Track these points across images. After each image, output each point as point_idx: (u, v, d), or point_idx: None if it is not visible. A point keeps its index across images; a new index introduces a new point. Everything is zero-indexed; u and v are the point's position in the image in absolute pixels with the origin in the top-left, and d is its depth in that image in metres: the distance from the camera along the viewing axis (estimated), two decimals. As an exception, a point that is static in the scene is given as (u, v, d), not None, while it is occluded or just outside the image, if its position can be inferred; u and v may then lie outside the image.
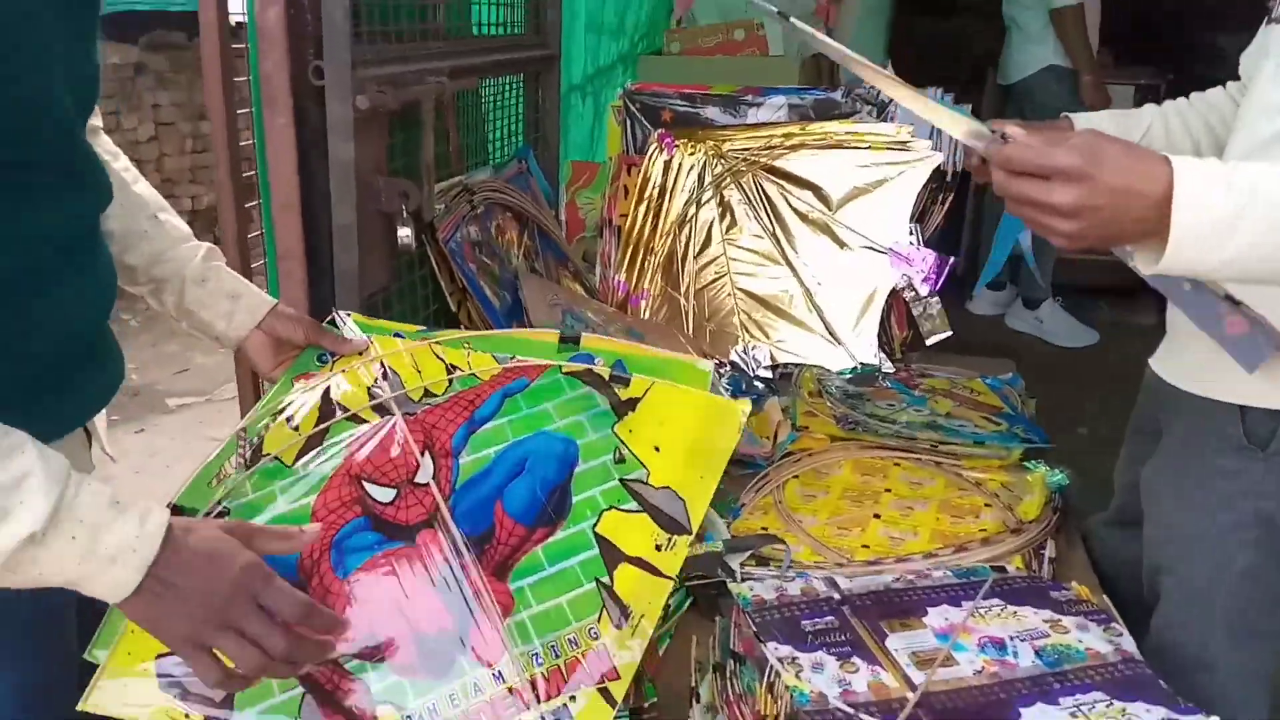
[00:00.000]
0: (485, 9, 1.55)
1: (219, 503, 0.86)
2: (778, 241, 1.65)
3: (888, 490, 1.13)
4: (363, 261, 1.15)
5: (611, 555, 0.85)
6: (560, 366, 0.99)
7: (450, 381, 0.98)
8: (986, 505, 1.11)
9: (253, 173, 1.20)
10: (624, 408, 0.96)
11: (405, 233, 1.18)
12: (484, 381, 0.98)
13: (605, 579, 0.83)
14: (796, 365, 1.50)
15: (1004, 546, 1.01)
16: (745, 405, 0.95)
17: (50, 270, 0.71)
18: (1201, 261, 0.74)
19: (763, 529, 1.05)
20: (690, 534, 0.86)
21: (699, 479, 0.90)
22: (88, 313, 0.78)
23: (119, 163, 0.91)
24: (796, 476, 1.17)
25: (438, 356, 1.00)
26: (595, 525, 0.87)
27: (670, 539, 0.86)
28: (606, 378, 0.98)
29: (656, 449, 0.92)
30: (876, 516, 1.08)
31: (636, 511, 0.88)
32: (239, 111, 1.19)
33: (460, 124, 1.37)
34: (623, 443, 0.93)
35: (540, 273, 1.58)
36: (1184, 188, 0.72)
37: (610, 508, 0.88)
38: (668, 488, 0.90)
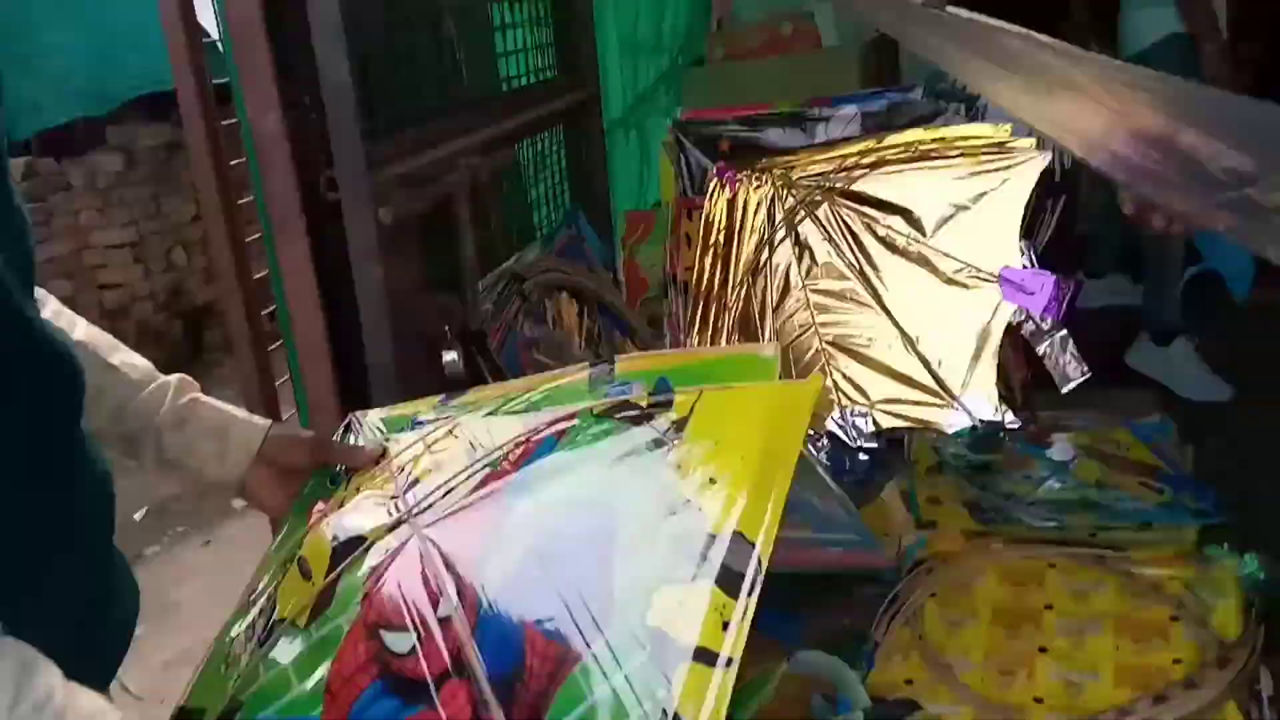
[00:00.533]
0: (512, 60, 1.38)
1: (232, 698, 0.71)
2: (866, 280, 1.45)
3: (1048, 607, 0.94)
4: (405, 399, 1.00)
5: (668, 655, 0.61)
6: (591, 409, 0.79)
7: (471, 469, 0.80)
8: (1173, 619, 0.90)
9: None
10: (670, 436, 0.73)
11: (451, 357, 1.02)
12: (506, 457, 0.79)
13: (664, 696, 0.60)
14: (906, 429, 1.31)
15: (1211, 688, 0.81)
16: (816, 383, 0.74)
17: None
18: None
19: (907, 682, 0.87)
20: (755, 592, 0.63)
21: (768, 503, 0.66)
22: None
23: (49, 307, 0.75)
24: (934, 595, 0.98)
25: (456, 435, 0.82)
26: (646, 615, 0.64)
27: (741, 606, 0.62)
28: (645, 405, 0.77)
29: (712, 480, 0.69)
30: (1043, 650, 0.88)
31: (696, 580, 0.64)
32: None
33: (501, 202, 1.20)
34: (672, 484, 0.70)
35: (607, 360, 1.42)
36: None
37: (664, 583, 0.64)
38: (736, 532, 0.65)
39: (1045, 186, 1.41)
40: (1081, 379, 1.30)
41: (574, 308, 1.38)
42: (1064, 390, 1.31)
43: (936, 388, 1.37)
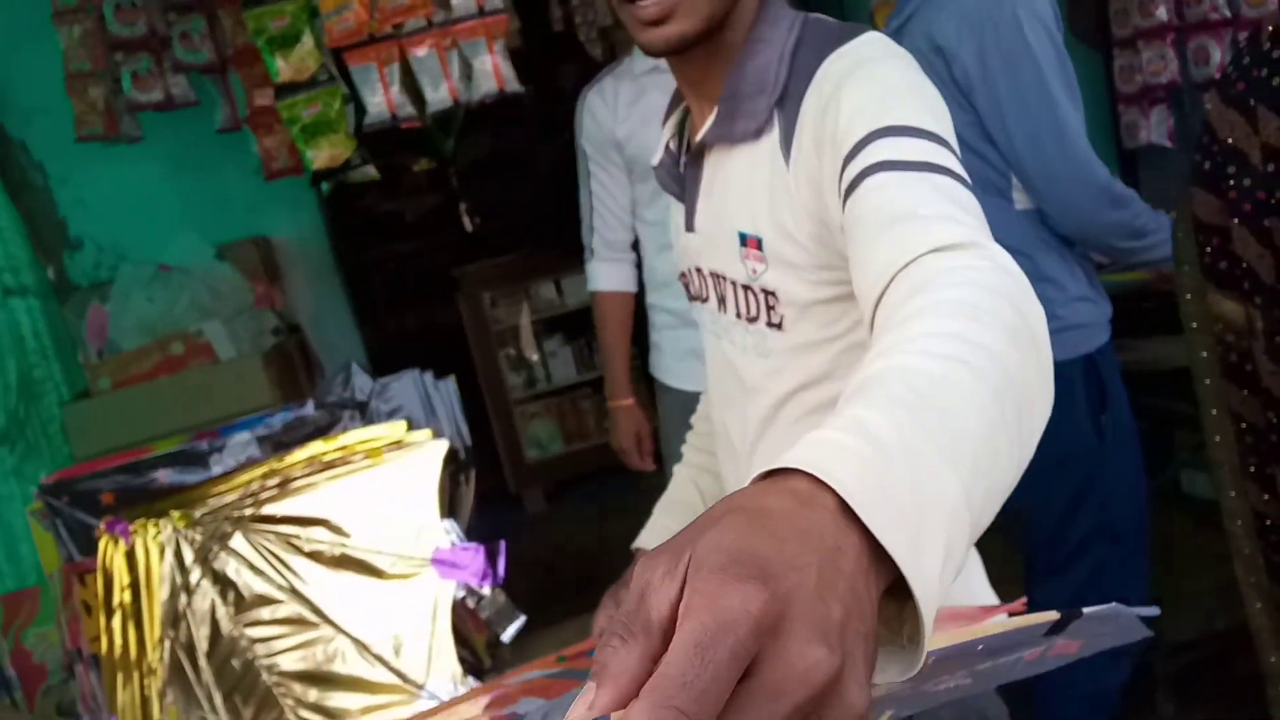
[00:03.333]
0: None
1: None
2: (302, 598, 1.37)
3: None
4: None
5: None
6: None
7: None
8: None
9: None
10: None
11: None
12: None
13: None
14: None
15: None
16: None
17: None
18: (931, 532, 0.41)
19: None
20: None
21: None
22: None
23: None
24: None
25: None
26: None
27: None
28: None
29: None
30: None
31: None
32: None
33: None
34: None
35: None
36: (833, 461, 0.41)
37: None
38: None
39: (456, 463, 1.50)
40: (519, 623, 1.36)
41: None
42: (506, 637, 1.36)
43: (403, 682, 1.32)
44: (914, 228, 0.64)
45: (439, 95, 2.27)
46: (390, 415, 1.54)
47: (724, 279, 0.93)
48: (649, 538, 1.22)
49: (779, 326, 0.89)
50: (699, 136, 0.91)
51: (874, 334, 0.60)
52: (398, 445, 1.43)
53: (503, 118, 6.78)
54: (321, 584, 1.37)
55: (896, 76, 0.79)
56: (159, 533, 1.36)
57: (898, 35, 1.91)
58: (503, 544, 1.45)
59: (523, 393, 4.23)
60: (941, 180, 0.69)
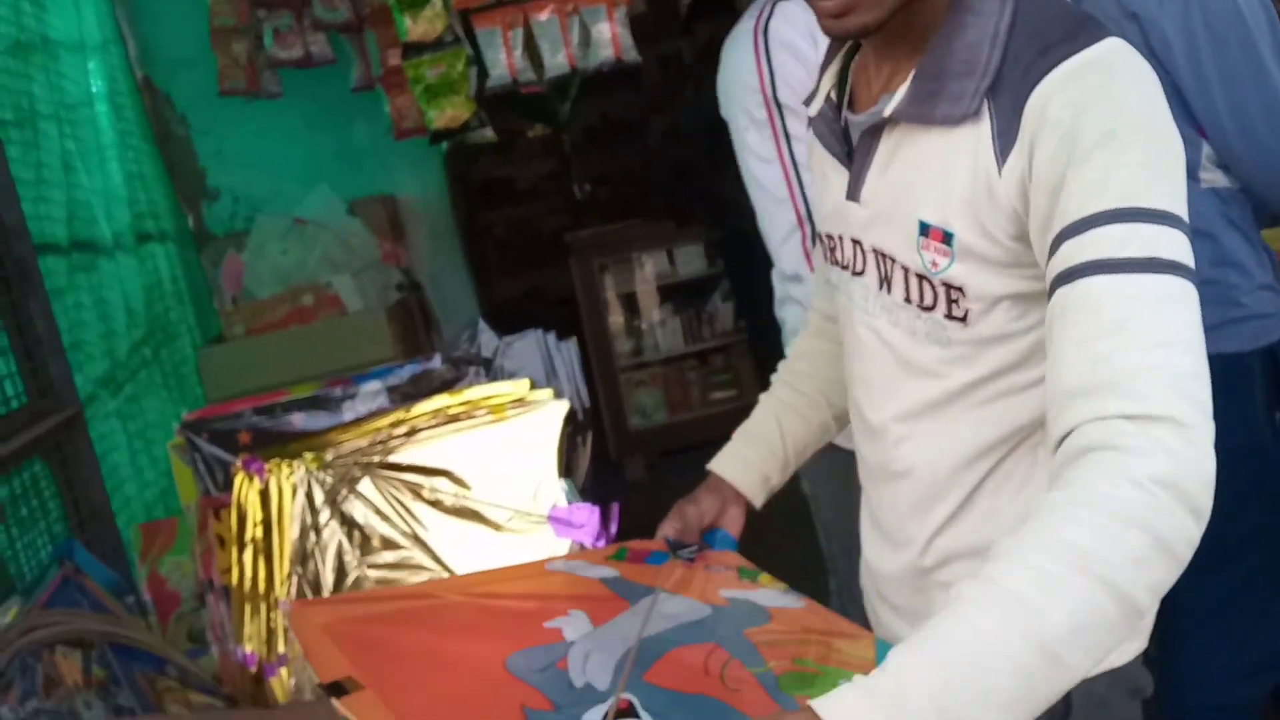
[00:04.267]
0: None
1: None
2: (423, 544, 1.40)
3: None
4: None
5: None
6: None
7: None
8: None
9: None
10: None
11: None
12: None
13: None
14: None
15: None
16: None
17: None
18: None
19: None
20: None
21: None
22: None
23: None
24: None
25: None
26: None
27: None
28: None
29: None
30: None
31: None
32: None
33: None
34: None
35: (129, 708, 1.18)
36: None
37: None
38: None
39: (574, 424, 1.51)
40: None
41: (76, 662, 1.15)
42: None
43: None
44: (1115, 376, 0.68)
45: (557, 61, 2.27)
46: (513, 373, 1.56)
47: (892, 261, 0.87)
48: (724, 463, 1.19)
49: (962, 320, 0.84)
50: (888, 110, 0.84)
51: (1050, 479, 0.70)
52: (520, 403, 1.45)
53: (617, 86, 6.80)
54: (441, 532, 1.40)
55: (1140, 130, 0.73)
56: (292, 473, 1.41)
57: None
58: (616, 506, 1.45)
59: (629, 360, 4.24)
60: (1162, 288, 0.69)
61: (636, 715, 0.74)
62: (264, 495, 1.40)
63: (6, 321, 1.33)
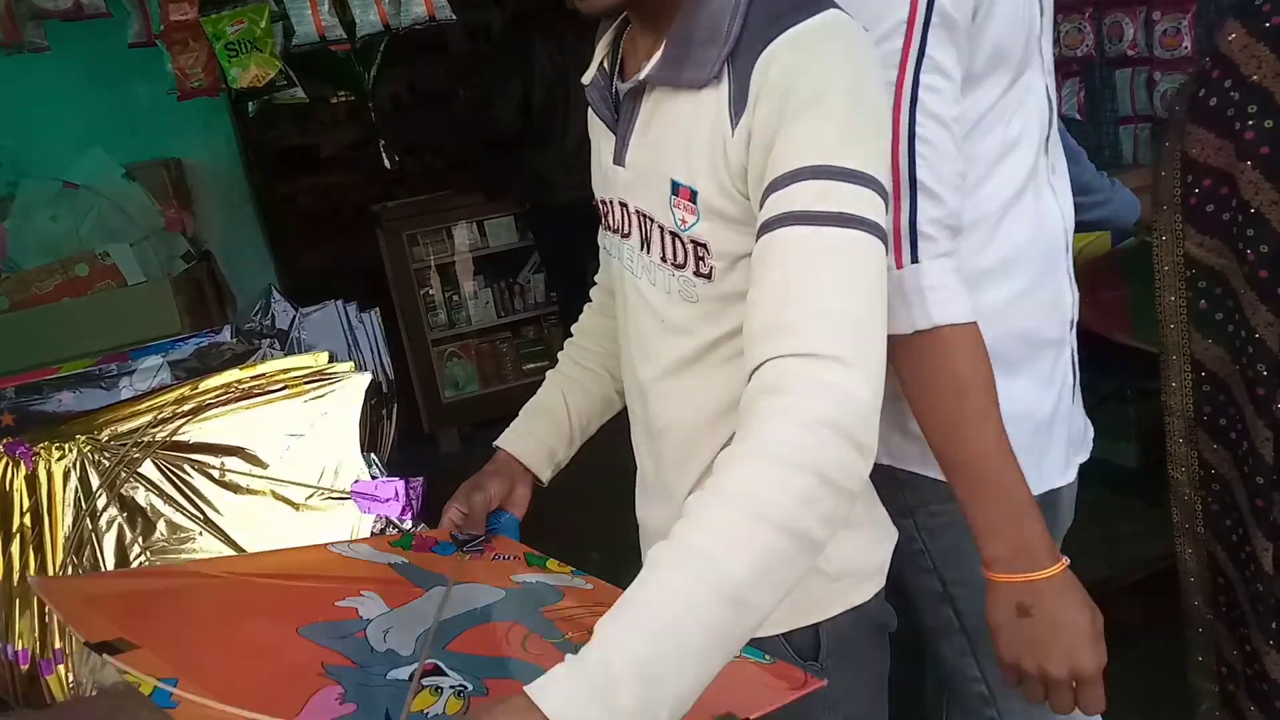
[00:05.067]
0: None
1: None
2: (216, 527, 1.35)
3: None
4: None
5: None
6: None
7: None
8: None
9: None
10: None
11: None
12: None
13: None
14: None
15: None
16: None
17: None
18: None
19: None
20: None
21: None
22: None
23: None
24: None
25: None
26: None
27: None
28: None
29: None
30: None
31: None
32: None
33: None
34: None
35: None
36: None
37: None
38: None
39: (378, 396, 1.48)
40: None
41: None
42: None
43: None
44: (793, 319, 0.75)
45: (369, 19, 2.20)
46: (311, 346, 1.51)
47: (651, 220, 0.93)
48: (511, 439, 1.22)
49: (708, 277, 0.89)
50: (643, 74, 0.90)
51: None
52: (319, 376, 1.41)
53: (424, 55, 6.61)
54: (237, 514, 1.35)
55: (845, 95, 0.79)
56: (63, 456, 1.32)
57: None
58: (421, 481, 1.45)
59: (441, 333, 4.18)
60: (848, 241, 0.76)
61: (445, 674, 0.76)
62: (30, 481, 1.31)
63: None
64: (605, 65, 0.99)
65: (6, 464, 1.32)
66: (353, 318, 1.60)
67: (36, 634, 1.31)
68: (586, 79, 1.00)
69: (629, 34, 0.97)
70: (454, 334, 4.21)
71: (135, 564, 1.32)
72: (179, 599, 0.86)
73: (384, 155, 6.82)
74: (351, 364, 1.42)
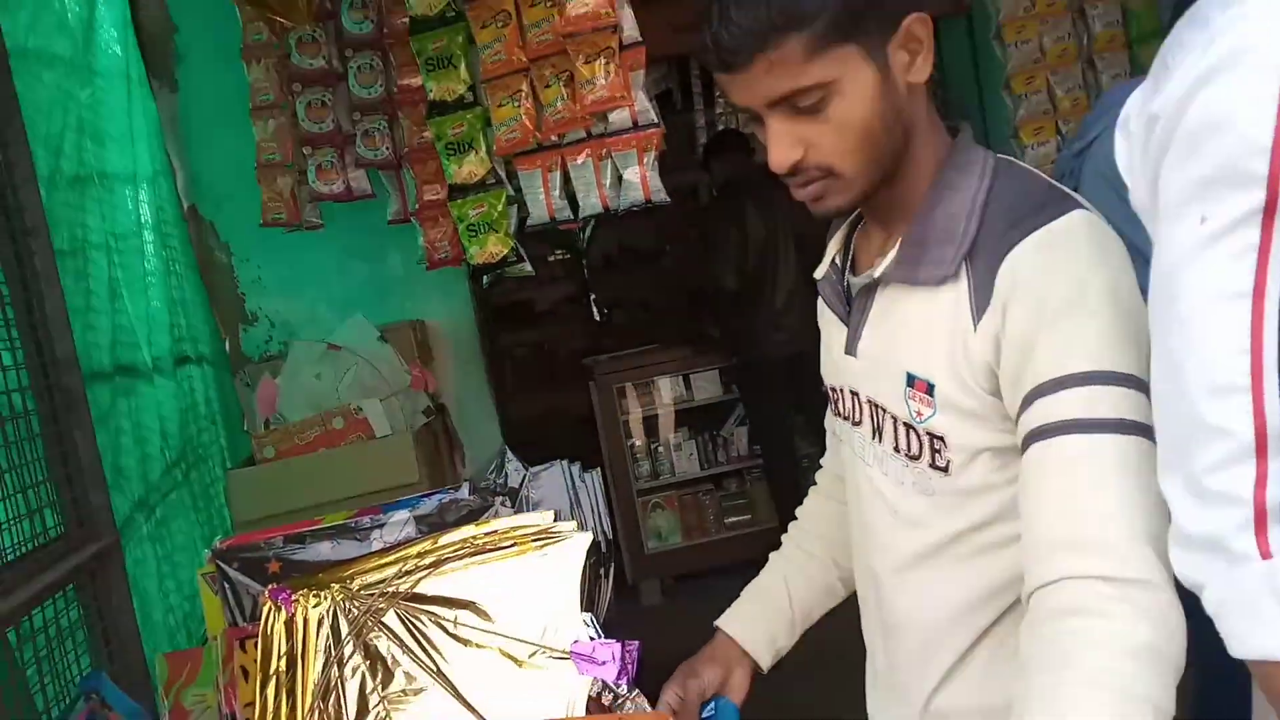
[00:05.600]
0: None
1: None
2: (446, 680, 1.40)
3: None
4: None
5: None
6: None
7: None
8: None
9: None
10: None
11: None
12: None
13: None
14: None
15: None
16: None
17: None
18: None
19: None
20: None
21: None
22: None
23: None
24: None
25: None
26: None
27: None
28: None
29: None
30: None
31: None
32: None
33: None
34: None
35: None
36: None
37: None
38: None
39: (596, 556, 1.52)
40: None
41: (100, 800, 1.14)
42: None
43: (534, 781, 1.32)
44: (1091, 536, 0.74)
45: (591, 201, 2.39)
46: (538, 503, 1.59)
47: (884, 411, 0.93)
48: (731, 621, 1.21)
49: (944, 470, 0.89)
50: (879, 271, 0.93)
51: (1026, 640, 0.76)
52: (545, 535, 1.47)
53: (633, 215, 7.03)
54: (465, 668, 1.40)
55: (1105, 296, 0.80)
56: (319, 604, 1.42)
57: (1080, 157, 1.89)
58: (636, 646, 1.45)
59: (646, 483, 4.26)
60: (1128, 450, 0.75)
61: None
62: (289, 625, 1.42)
63: (50, 452, 1.37)
64: (837, 260, 1.03)
65: (270, 610, 1.44)
66: (576, 477, 1.67)
67: (282, 773, 1.38)
68: (819, 273, 1.05)
69: (861, 231, 1.01)
70: (657, 485, 4.27)
71: (374, 712, 1.39)
72: None
73: (594, 309, 7.19)
74: (575, 523, 1.47)
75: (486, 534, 1.47)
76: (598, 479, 1.68)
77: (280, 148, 2.75)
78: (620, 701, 1.39)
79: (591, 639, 1.42)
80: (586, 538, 1.45)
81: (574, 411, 6.23)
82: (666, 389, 4.29)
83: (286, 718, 1.37)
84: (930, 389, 0.87)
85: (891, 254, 0.92)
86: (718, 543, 4.19)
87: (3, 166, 1.44)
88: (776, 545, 3.99)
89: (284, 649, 1.40)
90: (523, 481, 1.60)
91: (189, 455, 2.26)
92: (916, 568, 0.94)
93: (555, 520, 1.49)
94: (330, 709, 1.38)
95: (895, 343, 0.92)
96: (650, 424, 4.31)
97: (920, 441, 0.89)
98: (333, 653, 1.40)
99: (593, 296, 7.09)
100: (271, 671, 1.39)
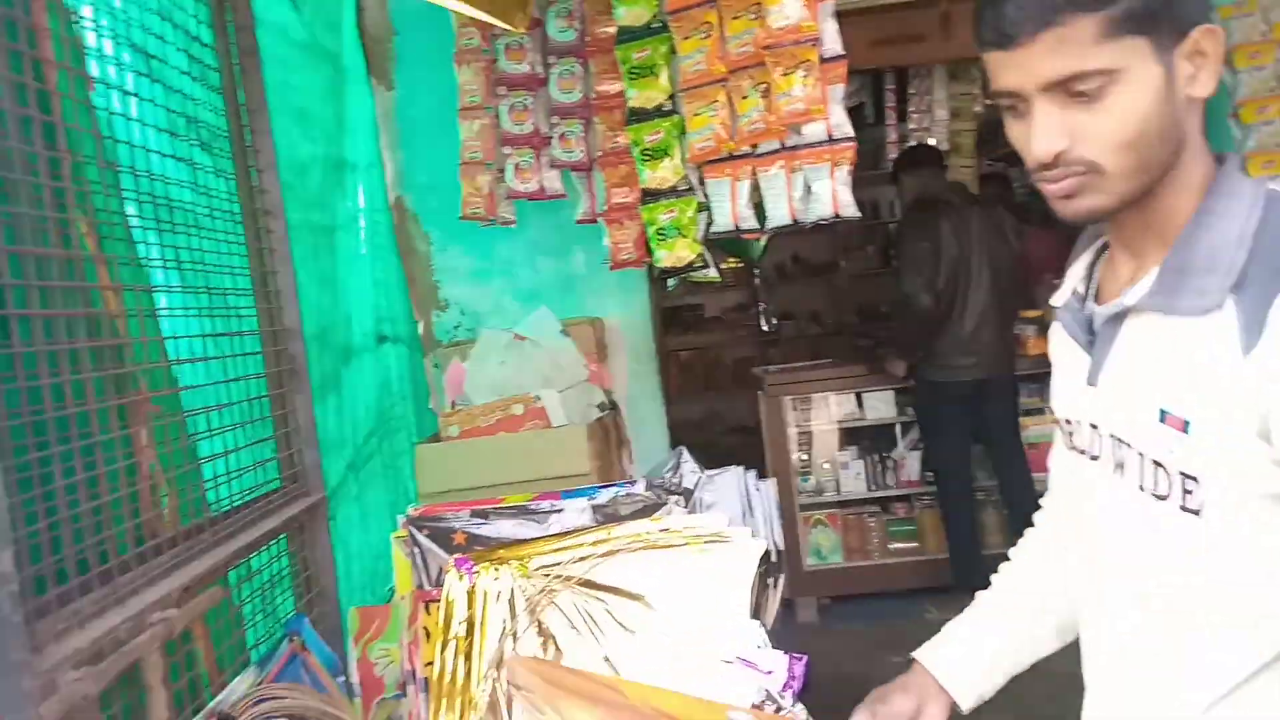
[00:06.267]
0: (225, 486, 1.33)
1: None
2: (613, 667, 1.44)
3: None
4: None
5: None
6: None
7: None
8: None
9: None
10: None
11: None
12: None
13: None
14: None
15: None
16: None
17: None
18: None
19: None
20: None
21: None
22: None
23: None
24: None
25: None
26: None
27: None
28: None
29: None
30: None
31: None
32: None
33: (207, 638, 1.10)
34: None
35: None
36: None
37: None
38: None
39: (766, 565, 1.52)
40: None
41: (298, 736, 1.24)
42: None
43: (690, 778, 1.34)
44: None
45: (779, 212, 2.39)
46: (710, 505, 1.60)
47: (1128, 446, 0.88)
48: (931, 655, 1.17)
49: (1195, 513, 0.83)
50: (1130, 300, 0.88)
51: None
52: (718, 538, 1.48)
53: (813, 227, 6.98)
54: (630, 656, 1.43)
55: None
56: (498, 577, 1.49)
57: None
58: (804, 660, 1.44)
59: (809, 499, 4.20)
60: None
61: None
62: (470, 595, 1.49)
63: (274, 412, 1.50)
64: (1079, 289, 0.99)
65: (454, 577, 1.52)
66: (750, 484, 1.68)
67: (455, 732, 1.45)
68: (1058, 300, 1.01)
69: (1107, 259, 0.97)
70: (821, 502, 4.21)
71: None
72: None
73: (763, 318, 7.15)
74: (749, 529, 1.48)
75: (660, 530, 1.50)
76: (772, 488, 1.68)
77: (483, 146, 2.90)
78: (782, 713, 1.39)
79: (759, 647, 1.42)
80: (760, 544, 1.45)
81: (733, 418, 6.21)
82: (836, 405, 4.22)
83: (463, 679, 1.44)
84: (1185, 426, 0.82)
85: (1146, 281, 0.87)
86: (879, 567, 4.08)
87: (251, 152, 1.59)
88: (942, 575, 3.97)
89: (464, 615, 1.48)
90: (698, 483, 1.62)
91: (382, 427, 2.42)
92: (1146, 629, 0.88)
93: (729, 525, 1.50)
94: (503, 678, 1.45)
95: (1147, 375, 0.86)
96: (818, 439, 4.25)
97: (1170, 481, 0.84)
98: (508, 625, 1.47)
99: (763, 306, 7.07)
100: (451, 635, 1.47)
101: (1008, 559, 1.25)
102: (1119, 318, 0.90)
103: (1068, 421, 1.00)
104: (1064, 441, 1.02)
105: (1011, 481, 3.82)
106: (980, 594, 1.22)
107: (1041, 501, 1.24)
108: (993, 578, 1.24)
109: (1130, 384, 0.88)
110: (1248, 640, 0.83)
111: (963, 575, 3.74)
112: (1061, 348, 1.01)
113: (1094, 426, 0.93)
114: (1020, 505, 3.78)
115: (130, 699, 0.92)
